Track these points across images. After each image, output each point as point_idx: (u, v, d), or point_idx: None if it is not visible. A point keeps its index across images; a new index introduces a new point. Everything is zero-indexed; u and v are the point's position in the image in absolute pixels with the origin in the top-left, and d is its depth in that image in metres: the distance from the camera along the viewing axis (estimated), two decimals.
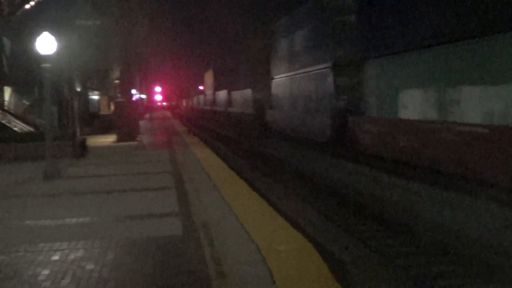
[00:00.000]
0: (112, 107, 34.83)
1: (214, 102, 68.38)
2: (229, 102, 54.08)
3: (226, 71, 68.58)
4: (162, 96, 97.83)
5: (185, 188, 9.97)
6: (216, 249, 5.76)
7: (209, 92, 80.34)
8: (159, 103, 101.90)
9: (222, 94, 62.08)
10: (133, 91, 28.60)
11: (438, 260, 7.42)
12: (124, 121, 22.98)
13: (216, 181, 10.53)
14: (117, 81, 32.63)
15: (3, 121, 22.40)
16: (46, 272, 5.20)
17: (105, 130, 28.22)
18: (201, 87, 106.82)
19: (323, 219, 9.78)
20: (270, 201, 9.02)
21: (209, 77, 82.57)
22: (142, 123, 36.12)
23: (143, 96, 54.28)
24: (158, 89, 78.35)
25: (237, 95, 50.01)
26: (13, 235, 6.80)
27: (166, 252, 5.73)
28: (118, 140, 22.49)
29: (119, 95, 29.91)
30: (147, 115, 49.93)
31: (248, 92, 42.98)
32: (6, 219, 7.77)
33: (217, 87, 70.63)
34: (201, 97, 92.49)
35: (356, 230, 9.10)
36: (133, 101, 27.17)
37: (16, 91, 29.29)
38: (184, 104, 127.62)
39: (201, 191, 9.50)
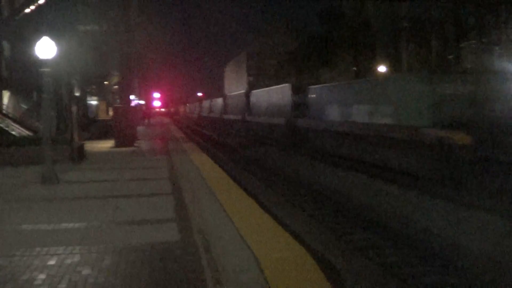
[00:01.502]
0: (111, 112, 34.84)
1: (248, 108, 44.46)
2: (299, 108, 30.37)
3: (277, 54, 44.41)
4: (161, 102, 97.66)
5: (182, 194, 9.96)
6: (212, 256, 5.76)
7: (234, 93, 56.04)
8: (157, 109, 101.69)
9: (275, 94, 34.71)
10: (132, 97, 28.62)
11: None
12: (122, 127, 22.99)
13: (213, 188, 10.52)
14: (115, 87, 32.71)
15: (1, 125, 22.42)
16: (42, 276, 5.19)
17: (103, 135, 28.20)
18: (200, 94, 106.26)
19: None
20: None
21: (235, 69, 59.32)
22: (140, 129, 36.11)
23: (142, 102, 54.26)
24: (156, 95, 78.40)
25: (332, 94, 25.39)
26: (10, 239, 6.79)
27: (163, 258, 5.73)
28: (116, 146, 22.48)
29: (117, 100, 29.98)
30: (145, 121, 49.90)
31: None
32: (2, 223, 7.75)
33: (253, 84, 50.01)
34: (218, 101, 64.05)
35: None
36: (132, 106, 27.18)
37: (14, 95, 29.34)
38: (187, 110, 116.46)
39: (199, 198, 9.49)
